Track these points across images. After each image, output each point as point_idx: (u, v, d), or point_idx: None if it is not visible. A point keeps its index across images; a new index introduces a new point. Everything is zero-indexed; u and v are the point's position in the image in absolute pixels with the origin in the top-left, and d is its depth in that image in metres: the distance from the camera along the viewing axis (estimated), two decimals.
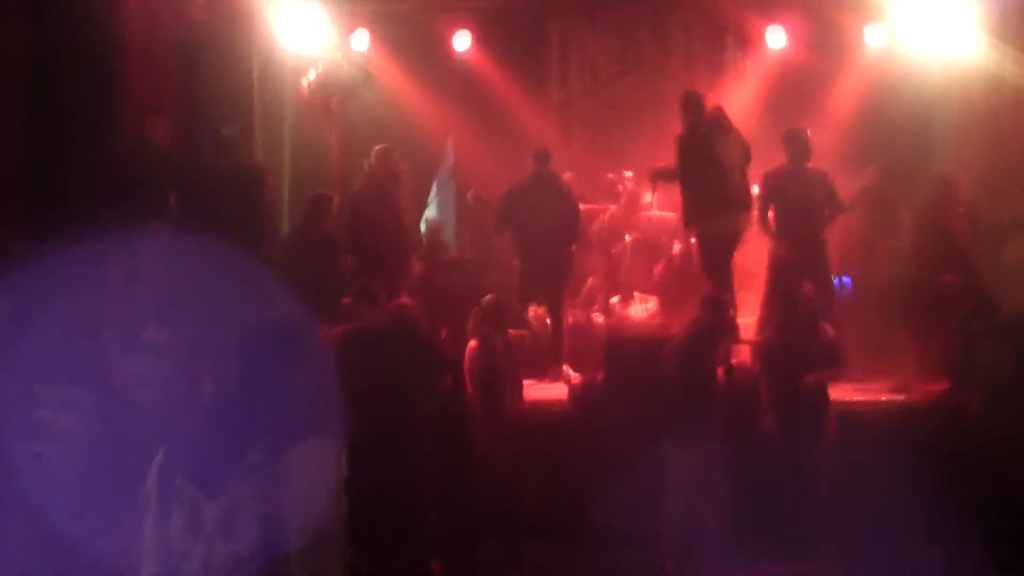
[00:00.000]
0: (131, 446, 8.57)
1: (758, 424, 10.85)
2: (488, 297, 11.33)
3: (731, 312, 11.54)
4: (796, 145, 12.87)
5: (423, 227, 15.56)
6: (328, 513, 4.60)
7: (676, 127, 13.35)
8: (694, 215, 12.68)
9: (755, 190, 12.90)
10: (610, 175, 16.00)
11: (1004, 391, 10.46)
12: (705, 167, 12.45)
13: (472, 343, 11.00)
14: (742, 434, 10.71)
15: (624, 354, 11.89)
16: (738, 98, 16.39)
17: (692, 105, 12.80)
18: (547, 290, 13.40)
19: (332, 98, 15.27)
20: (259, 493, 4.37)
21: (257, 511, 4.36)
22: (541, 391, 12.53)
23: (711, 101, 13.07)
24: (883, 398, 12.18)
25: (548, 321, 13.34)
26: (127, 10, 11.02)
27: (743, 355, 12.39)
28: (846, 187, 13.28)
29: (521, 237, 13.38)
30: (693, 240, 13.22)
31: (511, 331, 11.38)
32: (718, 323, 10.65)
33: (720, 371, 10.90)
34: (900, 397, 12.13)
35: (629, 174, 15.78)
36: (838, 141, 14.67)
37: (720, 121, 12.73)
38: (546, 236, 13.16)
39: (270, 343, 4.65)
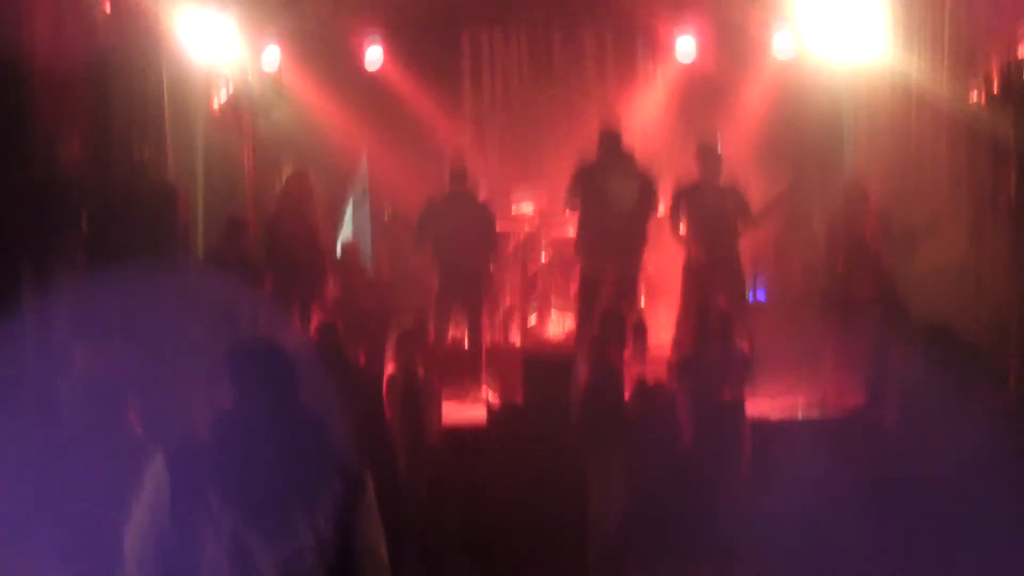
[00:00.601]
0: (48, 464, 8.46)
1: (675, 441, 10.88)
2: (406, 328, 11.34)
3: (634, 327, 11.56)
4: (708, 159, 13.00)
5: (339, 248, 15.46)
6: None
7: (589, 142, 13.49)
8: (579, 251, 13.12)
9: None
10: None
11: (916, 401, 10.54)
12: (598, 206, 12.74)
13: (391, 367, 10.96)
14: (658, 451, 10.75)
15: (541, 373, 11.89)
16: (649, 107, 16.48)
17: (605, 141, 13.04)
18: (465, 311, 13.39)
19: (244, 116, 15.13)
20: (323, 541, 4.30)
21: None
22: (461, 412, 12.49)
23: (626, 143, 13.25)
24: (799, 415, 12.26)
25: (465, 344, 13.35)
26: (31, 27, 10.84)
27: (660, 372, 12.42)
28: (758, 197, 13.36)
29: (439, 255, 13.36)
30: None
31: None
32: (617, 337, 10.70)
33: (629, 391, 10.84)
34: (816, 414, 12.21)
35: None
36: (750, 150, 14.76)
37: (627, 164, 12.97)
38: (464, 254, 13.15)
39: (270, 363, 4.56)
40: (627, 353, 11.03)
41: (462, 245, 13.13)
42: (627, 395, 10.88)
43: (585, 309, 12.71)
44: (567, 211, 13.60)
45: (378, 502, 10.48)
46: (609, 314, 11.15)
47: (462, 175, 13.57)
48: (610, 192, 12.92)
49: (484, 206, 13.84)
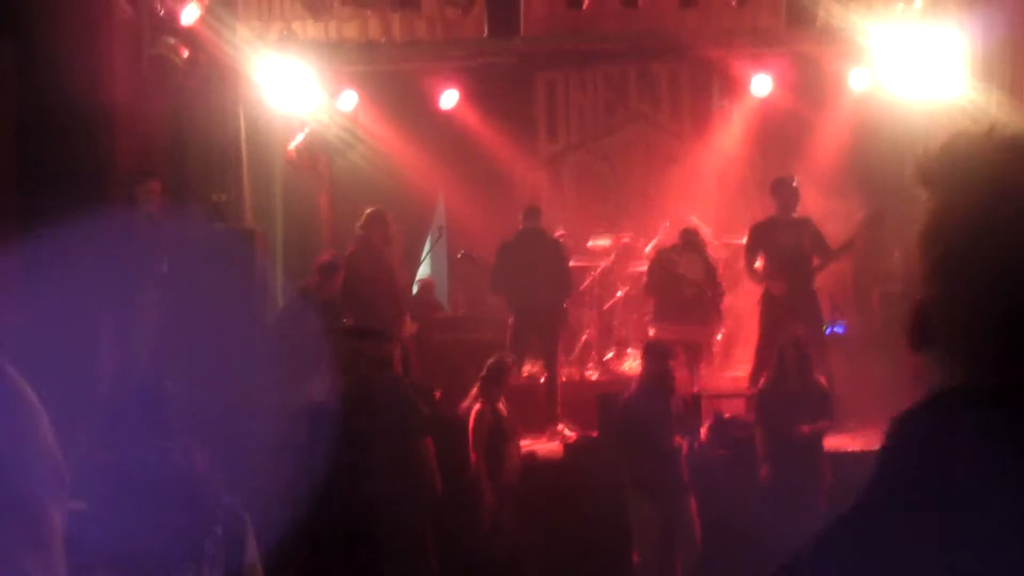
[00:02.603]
0: None
1: (754, 475, 10.84)
2: (496, 358, 11.33)
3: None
4: (784, 194, 12.96)
5: (416, 286, 15.56)
6: None
7: (666, 178, 13.59)
8: (654, 319, 13.51)
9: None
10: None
11: None
12: (668, 281, 13.30)
13: (477, 406, 10.95)
14: (737, 485, 10.72)
15: (617, 410, 11.89)
16: (726, 145, 16.47)
17: (677, 224, 14.05)
18: (541, 347, 13.43)
19: (320, 158, 15.29)
20: None
21: None
22: (538, 446, 12.51)
23: (696, 226, 13.96)
24: (878, 447, 12.11)
25: (541, 379, 13.38)
26: (111, 76, 11.04)
27: (737, 407, 12.39)
28: (835, 232, 13.30)
29: (514, 293, 13.42)
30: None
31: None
32: (664, 373, 10.69)
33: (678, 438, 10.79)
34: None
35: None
36: (826, 186, 14.69)
37: (694, 241, 13.62)
38: (539, 292, 13.20)
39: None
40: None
41: (537, 282, 13.17)
42: (704, 429, 10.88)
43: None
44: (651, 291, 13.93)
45: (462, 536, 10.57)
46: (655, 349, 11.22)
47: (535, 213, 13.66)
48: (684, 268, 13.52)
49: (557, 243, 13.91)
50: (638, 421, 10.47)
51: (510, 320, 13.48)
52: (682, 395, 11.14)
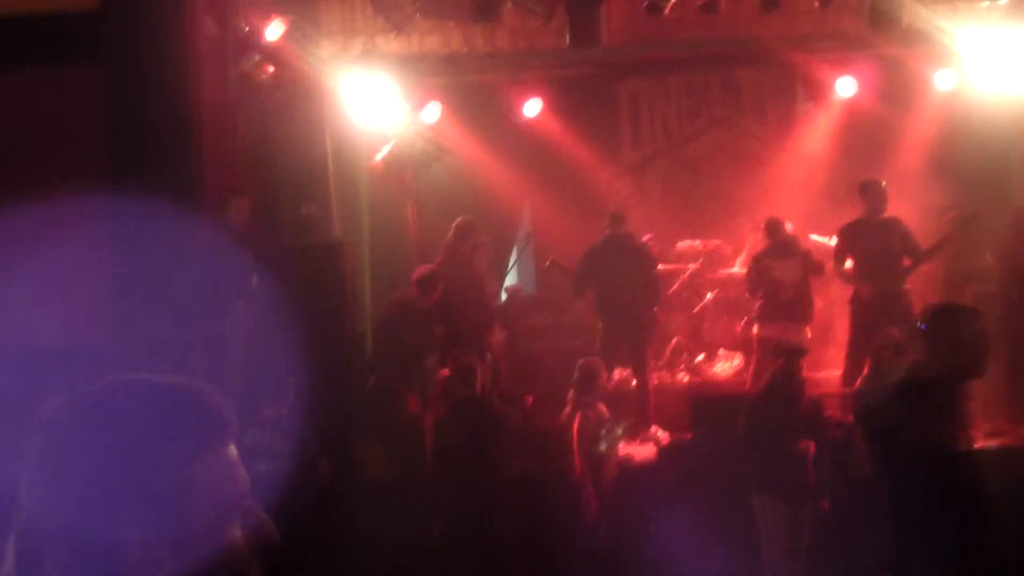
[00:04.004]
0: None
1: (856, 473, 10.76)
2: (584, 361, 11.38)
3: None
4: (873, 196, 12.93)
5: (504, 295, 15.59)
6: None
7: (751, 183, 13.57)
8: (758, 321, 13.57)
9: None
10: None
11: None
12: (766, 282, 13.39)
13: (580, 413, 10.99)
14: (840, 483, 10.66)
15: (710, 412, 11.88)
16: (811, 148, 16.38)
17: (770, 228, 13.70)
18: (631, 351, 13.42)
19: (406, 170, 15.36)
20: None
21: None
22: (630, 449, 12.49)
23: (789, 229, 13.89)
24: (977, 444, 12.02)
25: (633, 383, 13.36)
26: (201, 93, 11.15)
27: (832, 408, 12.29)
28: (925, 233, 13.21)
29: (602, 299, 13.44)
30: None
31: None
32: (794, 373, 10.60)
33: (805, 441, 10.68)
34: (993, 442, 12.00)
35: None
36: (914, 187, 14.56)
37: (788, 244, 13.60)
38: (627, 297, 13.21)
39: None
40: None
41: (623, 287, 13.19)
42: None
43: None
44: (750, 294, 13.98)
45: (565, 538, 10.63)
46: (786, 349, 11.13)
47: (620, 219, 13.68)
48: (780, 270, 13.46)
49: (644, 247, 13.94)
50: (767, 420, 10.41)
51: (599, 326, 13.49)
52: (811, 397, 11.08)
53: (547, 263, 14.84)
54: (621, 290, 13.22)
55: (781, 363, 10.73)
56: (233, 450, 2.11)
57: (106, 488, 1.98)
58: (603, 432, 11.07)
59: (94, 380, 2.09)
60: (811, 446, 10.45)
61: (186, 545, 2.01)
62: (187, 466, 2.03)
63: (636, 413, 13.12)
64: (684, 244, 15.73)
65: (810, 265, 13.43)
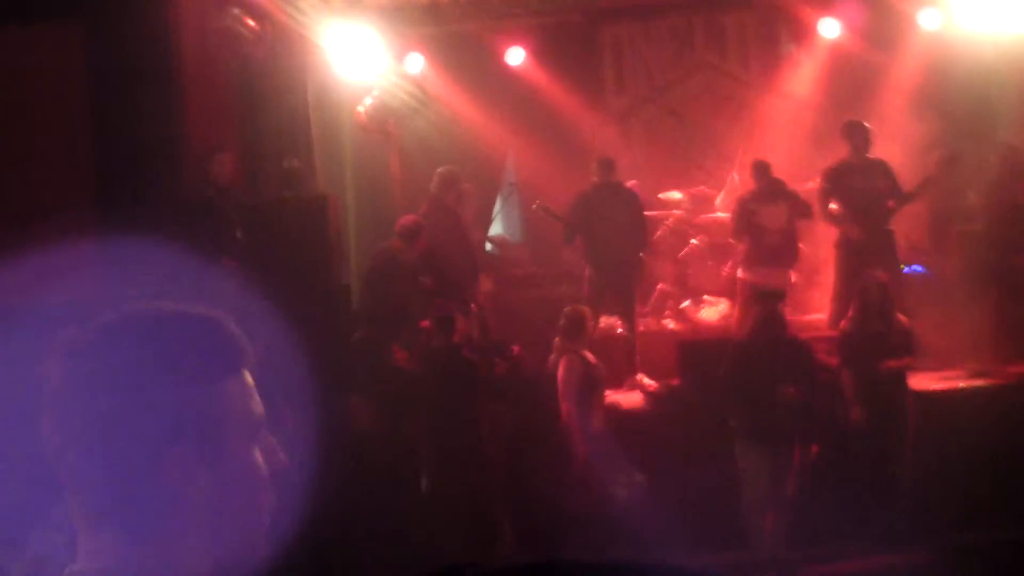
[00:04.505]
0: None
1: (842, 416, 10.82)
2: (570, 308, 11.40)
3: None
4: (857, 137, 12.93)
5: (489, 244, 15.58)
6: None
7: (735, 127, 13.54)
8: (743, 265, 13.53)
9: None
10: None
11: None
12: (752, 226, 13.34)
13: (565, 358, 11.02)
14: (826, 427, 10.71)
15: (696, 358, 11.90)
16: (795, 91, 16.35)
17: (757, 171, 13.60)
18: (619, 298, 13.42)
19: (389, 122, 15.32)
20: None
21: None
22: (617, 396, 12.52)
23: (775, 172, 13.67)
24: (962, 384, 12.08)
25: (619, 330, 13.36)
26: (180, 47, 11.11)
27: (819, 348, 12.33)
28: (910, 174, 13.20)
29: (591, 246, 13.44)
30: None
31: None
32: (775, 317, 10.61)
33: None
34: (980, 382, 12.04)
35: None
36: (899, 127, 14.55)
37: (775, 188, 13.45)
38: (616, 244, 13.23)
39: None
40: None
41: (613, 233, 13.20)
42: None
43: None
44: (736, 238, 13.93)
45: (554, 484, 10.67)
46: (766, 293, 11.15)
47: (609, 165, 13.67)
48: (766, 214, 13.40)
49: (632, 193, 13.95)
50: (749, 366, 10.41)
51: (586, 272, 13.50)
52: (796, 340, 11.09)
53: (533, 206, 14.81)
54: (610, 237, 13.22)
55: (762, 308, 10.74)
56: (249, 376, 2.13)
57: (136, 408, 2.00)
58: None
59: (113, 308, 2.10)
60: (796, 391, 10.42)
61: (218, 464, 2.04)
62: (216, 386, 2.06)
63: (623, 360, 13.16)
64: (666, 195, 15.69)
65: (797, 209, 13.40)
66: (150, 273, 9.82)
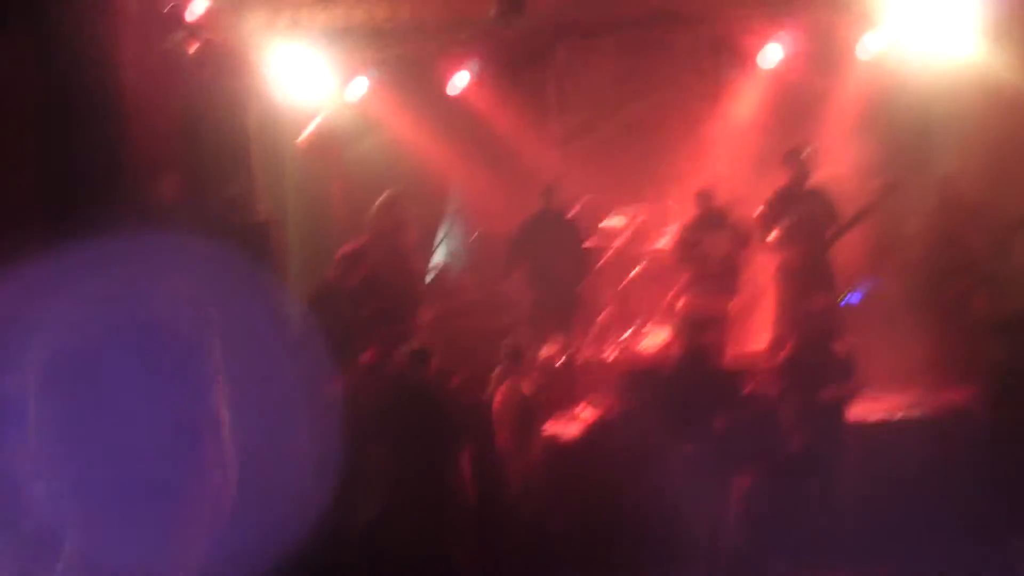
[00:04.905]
0: None
1: (781, 446, 10.87)
2: (509, 340, 11.44)
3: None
4: (798, 164, 13.01)
5: (432, 272, 15.57)
6: None
7: (683, 149, 13.61)
8: (684, 292, 13.66)
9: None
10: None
11: (1005, 388, 10.48)
12: (694, 255, 13.52)
13: (502, 388, 11.06)
14: (767, 454, 10.76)
15: (637, 387, 11.91)
16: (739, 115, 16.42)
17: (700, 200, 13.82)
18: (560, 326, 13.45)
19: (332, 147, 15.29)
20: None
21: None
22: (558, 427, 12.54)
23: (718, 200, 13.84)
24: (901, 412, 12.19)
25: (561, 359, 13.40)
26: (121, 71, 11.06)
27: (758, 379, 12.39)
28: (850, 201, 13.28)
29: (533, 273, 13.45)
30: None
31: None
32: (703, 348, 10.64)
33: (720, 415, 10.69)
34: (918, 410, 12.15)
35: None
36: (840, 153, 14.66)
37: (717, 216, 13.67)
38: (558, 273, 13.26)
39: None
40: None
41: (555, 262, 13.23)
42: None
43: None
44: (678, 267, 14.03)
45: (490, 513, 10.66)
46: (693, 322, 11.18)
47: (551, 193, 13.69)
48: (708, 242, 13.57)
49: (573, 223, 13.94)
50: (677, 398, 10.43)
51: (529, 300, 13.52)
52: (721, 370, 11.10)
53: (473, 238, 14.84)
54: (552, 265, 13.25)
55: (689, 339, 10.77)
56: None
57: (126, 412, 2.04)
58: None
59: (90, 315, 2.17)
60: (724, 420, 10.46)
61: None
62: (209, 396, 2.12)
63: (564, 389, 13.19)
64: (610, 221, 15.72)
65: (738, 237, 13.46)
66: (94, 293, 9.79)
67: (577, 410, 12.98)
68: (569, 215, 14.04)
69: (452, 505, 10.75)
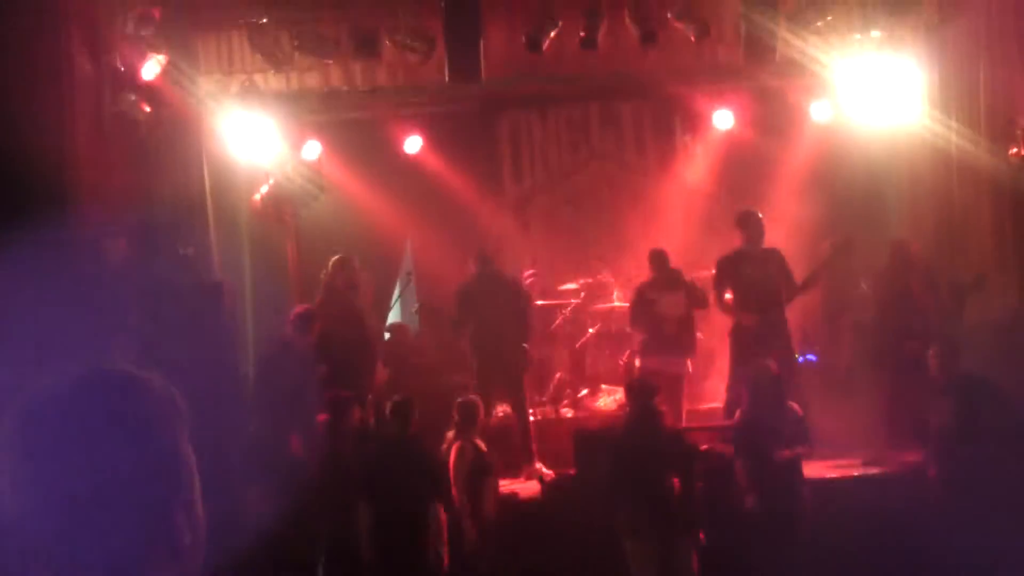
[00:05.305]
0: None
1: (737, 505, 10.83)
2: (464, 399, 11.43)
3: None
4: (750, 226, 13.05)
5: (387, 332, 15.52)
6: None
7: (636, 212, 13.66)
8: (641, 354, 13.64)
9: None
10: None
11: (949, 452, 10.50)
12: (650, 316, 13.44)
13: (456, 445, 11.04)
14: (721, 515, 10.71)
15: (592, 447, 11.87)
16: (690, 180, 16.56)
17: (655, 261, 13.72)
18: (506, 387, 13.40)
19: (286, 208, 15.28)
20: None
21: None
22: (513, 486, 12.50)
23: (673, 261, 13.83)
24: (857, 472, 12.22)
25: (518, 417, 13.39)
26: (76, 133, 11.01)
27: (714, 438, 12.39)
28: (802, 261, 13.36)
29: (476, 336, 13.46)
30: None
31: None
32: (650, 412, 10.57)
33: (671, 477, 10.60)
34: (873, 470, 12.18)
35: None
36: (791, 217, 14.76)
37: (672, 277, 13.64)
38: (500, 334, 13.24)
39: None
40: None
41: (496, 324, 13.23)
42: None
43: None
44: (634, 327, 13.93)
45: (443, 572, 10.55)
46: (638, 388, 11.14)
47: (487, 258, 13.73)
48: (664, 303, 13.50)
49: (514, 283, 13.97)
50: (628, 462, 10.36)
51: (475, 363, 13.51)
52: (671, 432, 11.05)
53: (413, 309, 14.92)
54: (494, 326, 13.24)
55: (635, 402, 10.73)
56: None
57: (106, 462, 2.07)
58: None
59: (64, 370, 2.18)
60: (675, 481, 10.40)
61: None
62: (177, 447, 2.17)
63: (518, 449, 13.16)
64: (565, 287, 15.76)
65: (694, 298, 13.50)
66: (38, 353, 9.67)
67: (535, 469, 12.98)
68: (507, 277, 14.01)
69: (428, 559, 10.67)
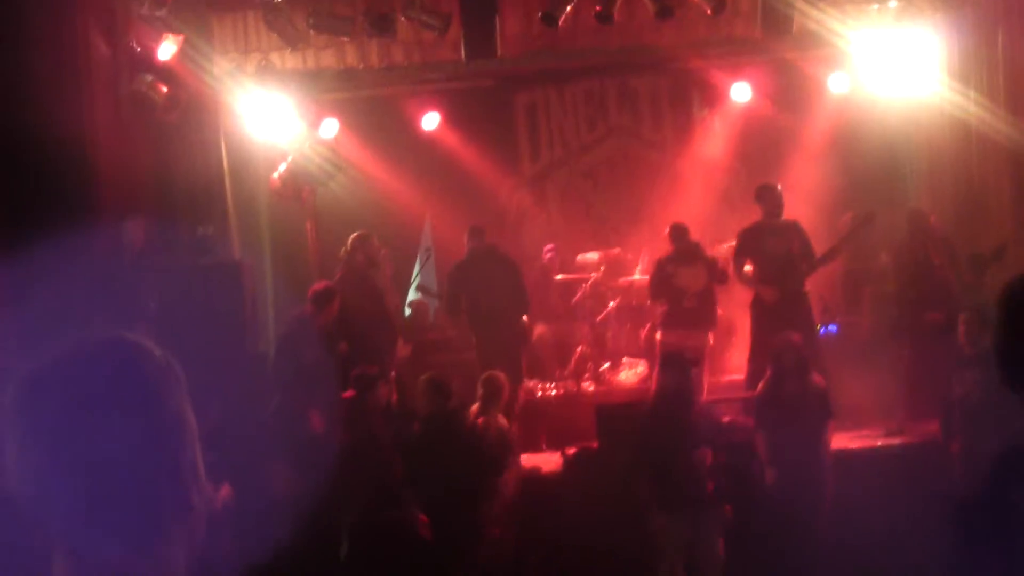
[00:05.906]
0: None
1: (758, 478, 10.81)
2: (486, 375, 11.40)
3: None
4: (769, 199, 13.00)
5: (408, 308, 15.54)
6: None
7: (649, 190, 13.58)
8: (661, 327, 13.59)
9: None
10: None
11: (974, 422, 10.45)
12: (670, 289, 13.43)
13: (480, 421, 11.03)
14: (743, 489, 10.67)
15: (615, 421, 11.85)
16: (708, 154, 16.51)
17: (675, 234, 13.69)
18: (506, 361, 13.36)
19: (304, 187, 15.26)
20: None
21: None
22: (538, 462, 12.51)
23: (693, 234, 13.76)
24: (879, 443, 12.19)
25: (539, 393, 13.40)
26: (94, 115, 11.01)
27: (735, 411, 12.36)
28: (822, 235, 13.33)
29: (472, 312, 13.49)
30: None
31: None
32: (684, 385, 10.49)
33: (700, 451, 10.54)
34: (896, 440, 12.16)
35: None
36: (810, 189, 14.73)
37: (692, 250, 13.61)
38: (496, 309, 13.26)
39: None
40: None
41: (492, 298, 13.26)
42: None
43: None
44: (654, 300, 13.97)
45: (466, 548, 10.56)
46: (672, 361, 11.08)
47: (479, 232, 13.74)
48: (683, 276, 13.51)
49: (507, 256, 13.94)
50: (659, 436, 10.30)
51: (473, 339, 13.54)
52: (702, 405, 11.01)
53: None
54: (489, 301, 13.27)
55: (666, 375, 10.64)
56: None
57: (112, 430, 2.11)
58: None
59: (65, 340, 2.23)
60: (707, 455, 10.35)
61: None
62: (180, 409, 2.21)
63: (541, 424, 13.23)
64: (583, 257, 15.77)
65: (713, 272, 13.48)
66: (58, 337, 9.68)
67: (543, 442, 13.05)
68: (501, 252, 13.99)
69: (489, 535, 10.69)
